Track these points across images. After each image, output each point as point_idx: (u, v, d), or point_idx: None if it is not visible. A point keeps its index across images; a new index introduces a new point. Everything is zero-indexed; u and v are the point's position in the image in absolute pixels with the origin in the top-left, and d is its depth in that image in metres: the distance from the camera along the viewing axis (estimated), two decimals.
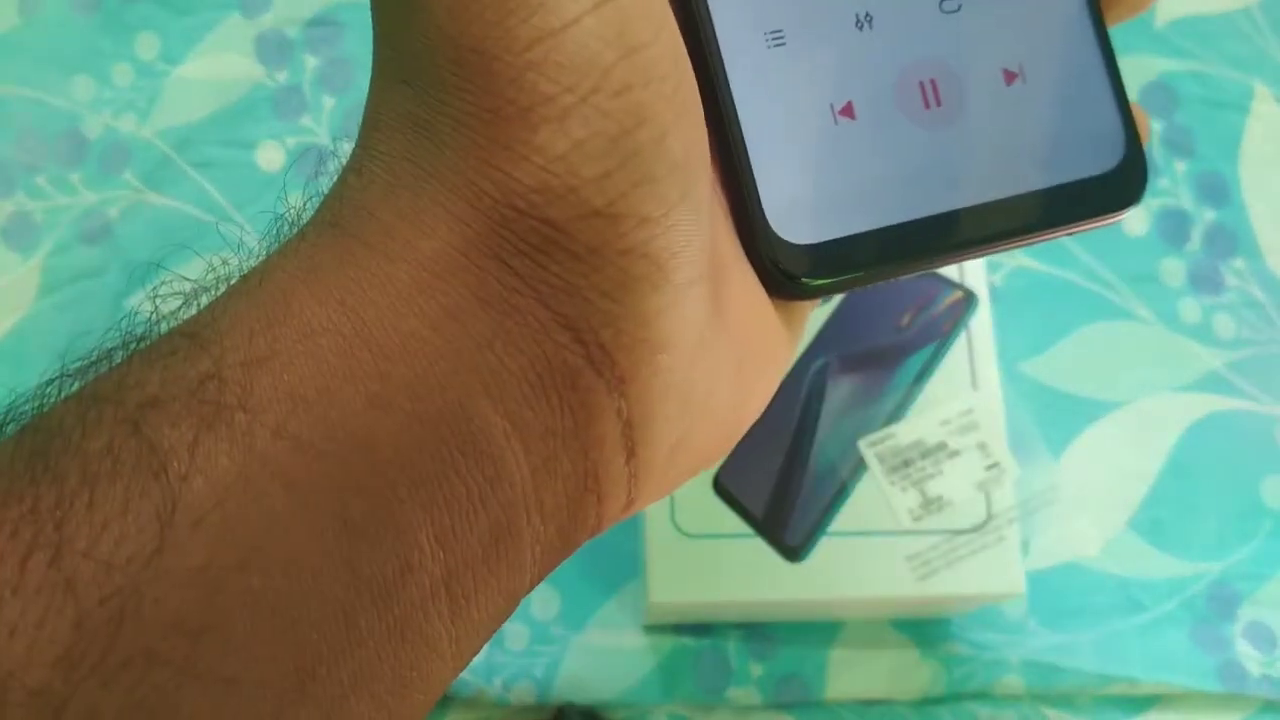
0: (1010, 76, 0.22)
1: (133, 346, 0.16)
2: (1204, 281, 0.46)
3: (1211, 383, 0.44)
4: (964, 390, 0.30)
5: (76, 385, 0.16)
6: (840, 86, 0.22)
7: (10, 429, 0.16)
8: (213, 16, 0.47)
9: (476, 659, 0.39)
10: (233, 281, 0.17)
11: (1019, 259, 0.45)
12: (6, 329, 0.42)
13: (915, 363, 0.35)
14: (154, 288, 0.18)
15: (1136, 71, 0.48)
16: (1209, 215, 0.47)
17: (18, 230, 0.44)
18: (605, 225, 0.17)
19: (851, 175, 0.21)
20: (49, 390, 0.16)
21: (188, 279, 0.18)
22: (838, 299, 0.37)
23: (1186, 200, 0.47)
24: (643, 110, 0.17)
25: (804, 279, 0.20)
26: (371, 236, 0.17)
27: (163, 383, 0.15)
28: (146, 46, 0.46)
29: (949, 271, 0.36)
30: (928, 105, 0.22)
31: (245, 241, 0.19)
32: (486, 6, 0.16)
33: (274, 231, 0.18)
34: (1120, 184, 0.23)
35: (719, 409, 0.20)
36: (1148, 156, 0.23)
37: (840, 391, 0.34)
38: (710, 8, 0.20)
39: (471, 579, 0.17)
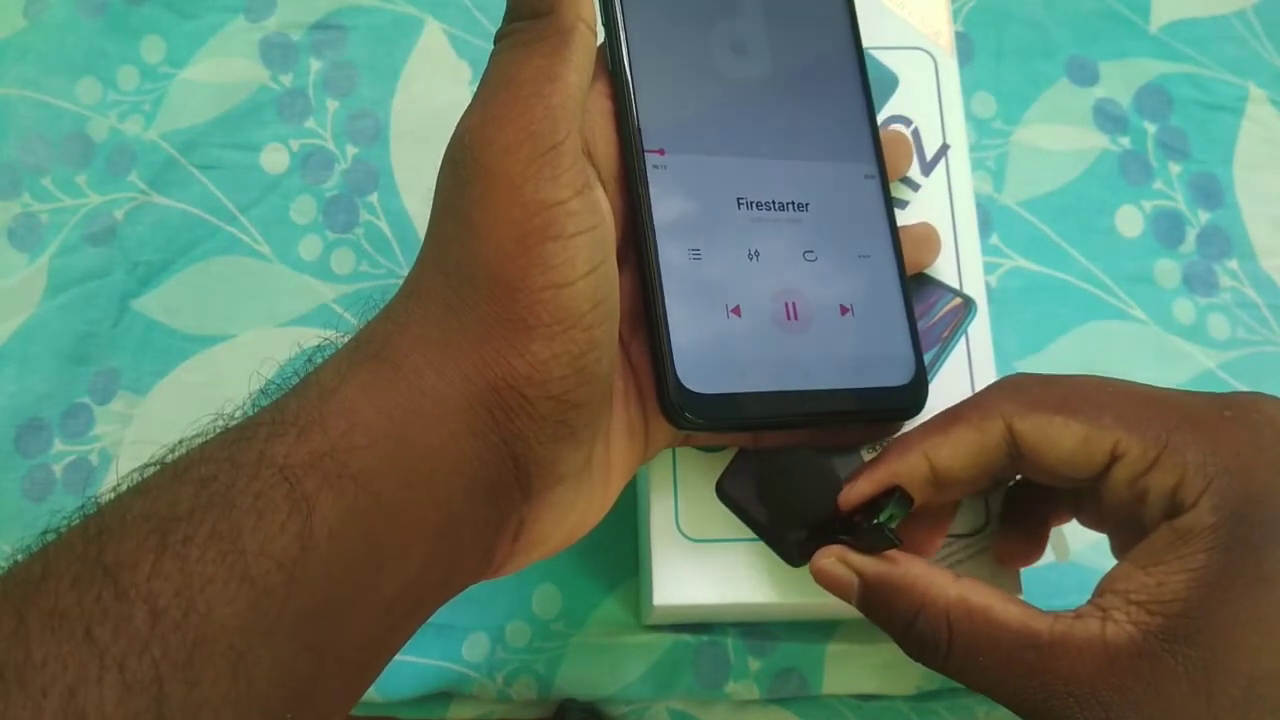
0: (844, 310, 0.32)
1: (220, 426, 0.25)
2: (1198, 282, 0.46)
3: (1206, 383, 0.44)
4: (962, 395, 0.30)
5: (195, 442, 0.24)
6: (733, 294, 0.31)
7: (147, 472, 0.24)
8: (217, 20, 0.47)
9: (479, 655, 0.40)
10: (303, 386, 0.25)
11: (1015, 259, 0.46)
12: (13, 329, 0.43)
13: None
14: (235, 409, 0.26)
15: (1132, 74, 0.49)
16: (1203, 217, 0.47)
17: (24, 231, 0.44)
18: (555, 404, 0.26)
19: (735, 354, 0.30)
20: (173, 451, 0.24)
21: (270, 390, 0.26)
22: None
23: (1181, 202, 0.47)
24: (595, 341, 0.26)
25: (689, 415, 0.29)
26: (410, 375, 0.25)
27: (288, 455, 0.23)
28: (152, 49, 0.46)
29: (948, 278, 0.36)
30: (789, 318, 0.31)
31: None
32: (520, 262, 0.26)
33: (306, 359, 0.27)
34: (910, 394, 0.32)
35: (585, 516, 0.30)
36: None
37: None
38: (655, 231, 0.30)
39: (432, 585, 0.26)
